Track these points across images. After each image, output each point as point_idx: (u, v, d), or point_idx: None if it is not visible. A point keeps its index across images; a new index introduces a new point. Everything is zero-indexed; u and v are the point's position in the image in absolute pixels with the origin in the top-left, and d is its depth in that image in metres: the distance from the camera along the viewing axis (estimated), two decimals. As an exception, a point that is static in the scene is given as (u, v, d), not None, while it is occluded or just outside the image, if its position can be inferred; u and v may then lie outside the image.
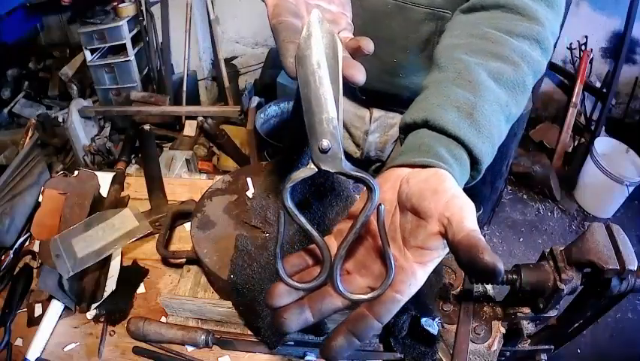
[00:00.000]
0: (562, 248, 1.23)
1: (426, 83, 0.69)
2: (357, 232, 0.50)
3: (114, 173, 1.56)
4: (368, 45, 0.53)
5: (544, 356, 1.39)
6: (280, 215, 0.52)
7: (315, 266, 0.56)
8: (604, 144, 3.20)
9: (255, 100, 2.79)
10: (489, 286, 1.39)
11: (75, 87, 3.47)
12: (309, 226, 0.51)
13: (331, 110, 0.48)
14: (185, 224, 1.40)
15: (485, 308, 1.32)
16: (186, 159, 2.84)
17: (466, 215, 0.50)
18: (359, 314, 0.51)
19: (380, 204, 0.50)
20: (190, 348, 1.12)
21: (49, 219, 1.35)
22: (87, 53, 3.25)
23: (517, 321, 1.30)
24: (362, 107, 1.29)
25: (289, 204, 0.50)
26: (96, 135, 3.18)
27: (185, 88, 3.55)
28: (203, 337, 1.10)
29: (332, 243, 0.56)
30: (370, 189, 0.49)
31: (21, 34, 3.46)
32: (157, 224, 1.36)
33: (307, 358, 1.09)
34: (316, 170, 0.50)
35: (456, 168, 0.58)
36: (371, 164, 1.44)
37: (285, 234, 0.53)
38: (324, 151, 0.49)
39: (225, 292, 1.12)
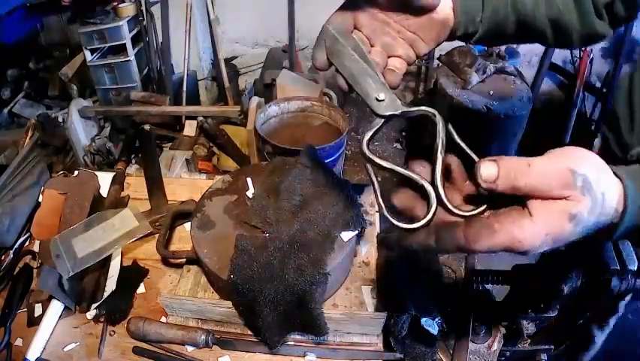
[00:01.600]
0: (562, 248, 1.23)
1: None
2: (442, 155, 0.54)
3: (114, 173, 1.56)
4: None
5: (544, 356, 1.39)
6: (368, 169, 0.58)
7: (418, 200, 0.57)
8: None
9: (255, 100, 2.78)
10: (489, 286, 1.39)
11: (75, 87, 3.47)
12: (398, 168, 0.55)
13: (374, 72, 0.61)
14: (185, 224, 1.40)
15: (485, 308, 1.32)
16: (186, 159, 2.84)
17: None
18: (451, 224, 0.52)
19: (447, 124, 0.55)
20: (190, 348, 1.12)
21: (49, 219, 1.35)
22: (87, 53, 3.24)
23: (517, 321, 1.30)
24: None
25: (371, 155, 0.57)
26: (96, 135, 3.18)
27: (185, 88, 3.55)
28: (203, 337, 1.10)
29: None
30: (434, 115, 0.55)
31: (21, 35, 3.45)
32: (157, 224, 1.36)
33: (307, 358, 1.09)
34: (383, 118, 0.59)
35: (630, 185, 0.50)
36: None
37: (379, 183, 0.57)
38: (381, 100, 0.59)
39: (225, 292, 1.12)
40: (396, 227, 0.53)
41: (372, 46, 0.70)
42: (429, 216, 0.52)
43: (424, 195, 0.53)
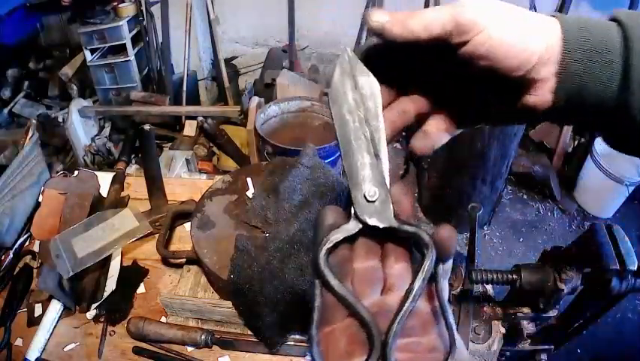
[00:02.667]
0: (562, 248, 1.23)
1: None
2: (413, 305, 0.38)
3: (114, 173, 1.56)
4: None
5: (544, 356, 1.39)
6: (314, 286, 0.40)
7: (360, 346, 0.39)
8: (604, 144, 3.20)
9: (255, 100, 2.79)
10: (489, 286, 1.39)
11: (75, 87, 3.47)
12: (352, 299, 0.39)
13: (378, 151, 0.42)
14: (185, 224, 1.40)
15: (485, 308, 1.32)
16: (186, 159, 2.84)
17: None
18: None
19: (438, 265, 0.40)
20: (190, 348, 1.12)
21: (49, 219, 1.35)
22: (87, 53, 3.25)
23: (517, 321, 1.30)
24: None
25: (326, 271, 0.39)
26: (96, 135, 3.18)
27: (185, 88, 3.55)
28: (203, 337, 1.10)
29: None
30: (426, 247, 0.40)
31: (21, 35, 3.45)
32: (157, 224, 1.36)
33: (307, 358, 1.09)
34: (361, 225, 0.40)
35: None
36: None
37: (320, 310, 0.40)
38: (370, 200, 0.41)
39: (225, 292, 1.12)
40: None
41: (397, 93, 0.48)
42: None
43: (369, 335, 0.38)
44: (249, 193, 1.25)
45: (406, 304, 0.38)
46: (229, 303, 1.09)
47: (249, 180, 1.29)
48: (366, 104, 0.43)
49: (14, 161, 1.41)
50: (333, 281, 0.39)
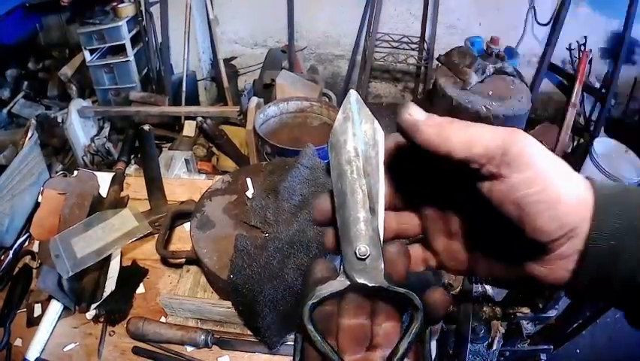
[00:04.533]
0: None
1: None
2: None
3: (113, 173, 1.56)
4: None
5: (543, 356, 1.39)
6: (296, 339, 0.40)
7: None
8: (603, 144, 3.20)
9: (254, 100, 2.79)
10: (488, 287, 1.40)
11: (74, 87, 3.46)
12: (334, 356, 0.38)
13: (374, 205, 0.39)
14: (184, 224, 1.40)
15: (485, 308, 1.32)
16: (185, 160, 2.84)
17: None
18: None
19: (427, 327, 0.39)
20: (190, 348, 1.12)
21: (48, 219, 1.35)
22: (86, 54, 3.24)
23: (517, 321, 1.30)
24: None
25: (309, 326, 0.38)
26: (95, 135, 3.17)
27: (184, 88, 3.55)
28: (202, 337, 1.10)
29: None
30: (415, 309, 0.38)
31: (20, 35, 3.45)
32: (156, 224, 1.36)
33: None
34: (349, 283, 0.39)
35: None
36: None
37: None
38: (361, 258, 0.39)
39: (225, 292, 1.12)
40: None
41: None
42: None
43: None
44: (249, 193, 1.25)
45: None
46: (229, 303, 1.09)
47: (248, 180, 1.29)
48: (366, 154, 0.40)
49: (14, 161, 1.41)
50: (316, 337, 0.38)
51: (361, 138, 0.40)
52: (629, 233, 0.34)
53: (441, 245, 0.43)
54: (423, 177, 0.40)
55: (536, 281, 0.37)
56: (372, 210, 0.39)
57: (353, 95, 0.41)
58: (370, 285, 0.38)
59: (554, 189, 0.33)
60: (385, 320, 0.39)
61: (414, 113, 0.35)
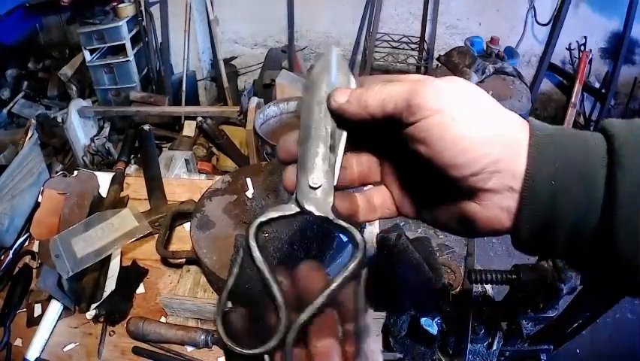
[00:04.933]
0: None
1: None
2: (330, 297, 0.38)
3: (113, 173, 1.56)
4: None
5: (543, 356, 1.39)
6: (238, 254, 0.42)
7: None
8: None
9: (254, 100, 2.79)
10: (488, 287, 1.39)
11: (74, 87, 3.47)
12: (271, 280, 0.39)
13: (335, 145, 0.41)
14: (184, 224, 1.40)
15: (485, 308, 1.32)
16: (185, 160, 2.84)
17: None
18: None
19: (364, 267, 0.39)
20: (190, 348, 1.12)
21: (48, 219, 1.35)
22: (86, 54, 3.24)
23: (517, 321, 1.30)
24: None
25: (253, 242, 0.40)
26: (95, 135, 3.18)
27: (184, 88, 3.55)
28: (202, 337, 1.09)
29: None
30: (355, 245, 0.39)
31: (20, 35, 3.45)
32: (156, 224, 1.36)
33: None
34: (297, 210, 0.41)
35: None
36: None
37: (236, 279, 0.42)
38: (313, 187, 0.40)
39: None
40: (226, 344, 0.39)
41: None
42: (258, 350, 0.37)
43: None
44: (249, 193, 1.25)
45: (322, 295, 0.38)
46: (229, 303, 1.09)
47: (248, 180, 1.29)
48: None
49: (14, 161, 1.41)
50: (256, 254, 0.40)
51: (335, 85, 0.42)
52: (569, 172, 0.34)
53: (395, 190, 0.46)
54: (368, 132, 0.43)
55: (475, 223, 0.39)
56: (332, 148, 0.41)
57: (334, 50, 0.43)
58: (317, 213, 0.40)
59: (457, 127, 0.35)
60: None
61: (337, 98, 0.40)
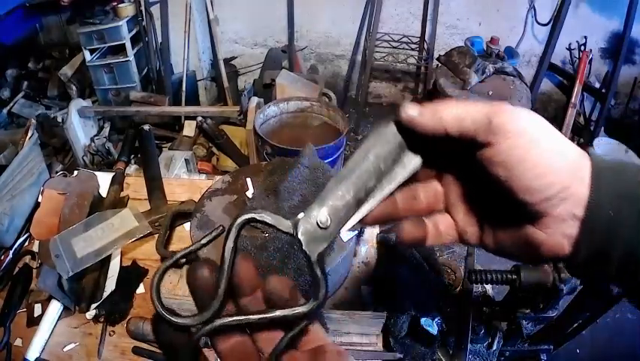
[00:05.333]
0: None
1: None
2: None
3: (113, 173, 1.56)
4: None
5: (543, 356, 1.39)
6: (216, 231, 0.41)
7: None
8: (603, 144, 3.20)
9: (254, 100, 2.79)
10: (488, 286, 1.39)
11: (74, 87, 3.47)
12: (226, 268, 0.39)
13: (363, 202, 0.41)
14: (184, 224, 1.40)
15: (485, 308, 1.32)
16: (185, 160, 2.84)
17: None
18: None
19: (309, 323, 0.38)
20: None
21: (48, 219, 1.35)
22: (86, 53, 3.24)
23: (517, 321, 1.30)
24: None
25: (234, 231, 0.40)
26: (95, 135, 3.18)
27: (184, 88, 3.55)
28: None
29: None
30: (315, 296, 0.38)
31: (20, 35, 3.45)
32: (156, 224, 1.36)
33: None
34: (290, 232, 0.39)
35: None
36: None
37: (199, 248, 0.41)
38: (319, 225, 0.39)
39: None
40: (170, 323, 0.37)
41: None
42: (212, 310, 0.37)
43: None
44: (249, 193, 1.25)
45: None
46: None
47: (248, 180, 1.29)
48: (393, 173, 0.41)
49: (14, 161, 1.41)
50: (229, 243, 0.40)
51: (400, 158, 0.41)
52: (628, 203, 0.35)
53: (458, 216, 0.45)
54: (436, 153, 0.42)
55: (539, 250, 0.38)
56: (359, 203, 0.40)
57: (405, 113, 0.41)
58: (304, 248, 0.39)
59: (538, 151, 0.35)
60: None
61: (409, 111, 0.39)
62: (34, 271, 1.30)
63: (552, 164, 0.35)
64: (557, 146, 0.36)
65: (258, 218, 0.40)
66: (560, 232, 0.37)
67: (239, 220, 0.40)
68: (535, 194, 0.36)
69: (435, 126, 0.38)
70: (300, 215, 0.40)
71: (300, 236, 0.39)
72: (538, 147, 0.35)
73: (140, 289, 1.27)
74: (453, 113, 0.37)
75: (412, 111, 0.39)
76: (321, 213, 0.39)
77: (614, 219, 0.35)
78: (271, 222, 0.40)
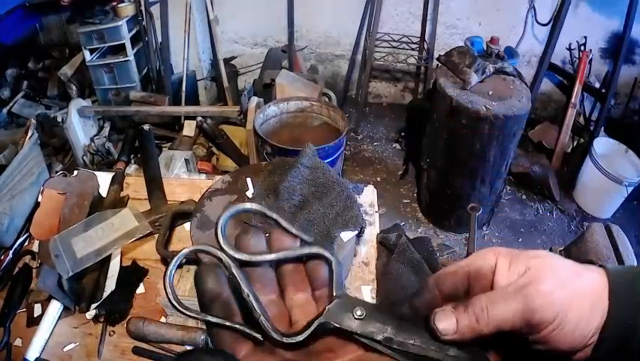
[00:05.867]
0: (561, 248, 1.23)
1: None
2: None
3: (113, 173, 1.56)
4: None
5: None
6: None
7: None
8: (603, 144, 3.20)
9: (254, 100, 2.79)
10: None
11: (74, 87, 3.47)
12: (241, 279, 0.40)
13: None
14: (184, 224, 1.40)
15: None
16: (185, 159, 2.84)
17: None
18: None
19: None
20: (190, 348, 1.12)
21: (48, 219, 1.35)
22: (86, 53, 3.24)
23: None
24: None
25: (222, 224, 0.44)
26: (95, 135, 3.18)
27: (184, 88, 3.55)
28: (203, 337, 1.10)
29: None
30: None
31: (20, 34, 3.45)
32: (156, 224, 1.36)
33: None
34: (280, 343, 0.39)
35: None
36: None
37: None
38: (355, 315, 0.40)
39: (225, 292, 1.11)
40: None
41: None
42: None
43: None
44: (249, 193, 1.25)
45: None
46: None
47: (248, 180, 1.29)
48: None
49: (14, 161, 1.41)
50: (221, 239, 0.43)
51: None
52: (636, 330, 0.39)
53: None
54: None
55: None
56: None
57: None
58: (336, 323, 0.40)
59: (572, 327, 0.39)
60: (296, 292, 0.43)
61: (444, 329, 0.40)
62: (34, 271, 1.29)
63: (584, 330, 0.39)
64: (585, 309, 0.39)
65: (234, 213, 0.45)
66: (584, 354, 0.41)
67: (228, 213, 0.45)
68: (569, 354, 0.40)
69: (475, 339, 0.40)
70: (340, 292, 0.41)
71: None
72: (571, 322, 0.39)
73: (140, 289, 1.27)
74: (492, 326, 0.39)
75: (447, 328, 0.40)
76: (360, 312, 0.40)
77: (631, 325, 0.39)
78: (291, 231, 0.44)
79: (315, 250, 0.42)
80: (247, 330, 0.39)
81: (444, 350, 0.40)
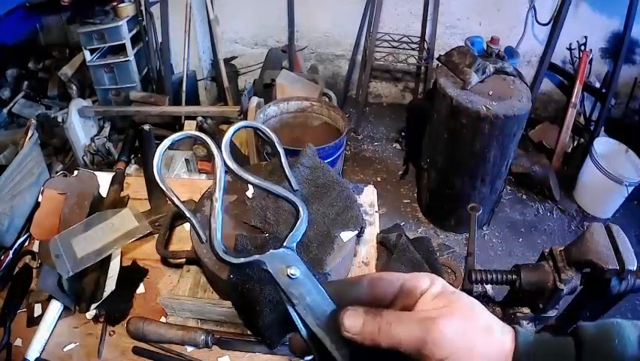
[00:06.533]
0: (561, 248, 1.23)
1: None
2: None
3: (114, 173, 1.56)
4: None
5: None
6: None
7: None
8: (603, 144, 3.20)
9: (255, 100, 2.79)
10: (488, 287, 1.40)
11: (74, 87, 3.47)
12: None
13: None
14: (184, 224, 1.40)
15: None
16: (186, 159, 2.84)
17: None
18: None
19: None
20: (190, 348, 1.12)
21: (48, 219, 1.35)
22: (86, 53, 3.24)
23: (517, 321, 1.30)
24: None
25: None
26: (95, 135, 3.18)
27: (184, 88, 3.55)
28: (202, 337, 1.09)
29: None
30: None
31: (20, 35, 3.46)
32: (156, 224, 1.36)
33: (307, 358, 1.09)
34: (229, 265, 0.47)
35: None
36: None
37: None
38: (293, 276, 0.47)
39: (225, 292, 1.12)
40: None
41: None
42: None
43: None
44: (249, 193, 1.25)
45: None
46: (229, 303, 1.09)
47: (248, 180, 1.28)
48: None
49: (14, 161, 1.41)
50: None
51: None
52: None
53: None
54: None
55: None
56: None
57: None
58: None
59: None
60: None
61: (350, 328, 0.44)
62: (34, 271, 1.29)
63: None
64: (485, 348, 0.43)
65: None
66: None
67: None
68: None
69: (372, 345, 0.43)
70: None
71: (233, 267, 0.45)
72: (470, 357, 0.42)
73: (140, 289, 1.27)
74: (390, 342, 0.42)
75: (352, 328, 0.44)
76: (291, 270, 0.47)
77: None
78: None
79: (292, 197, 0.49)
80: (197, 227, 0.49)
81: (338, 345, 0.44)
